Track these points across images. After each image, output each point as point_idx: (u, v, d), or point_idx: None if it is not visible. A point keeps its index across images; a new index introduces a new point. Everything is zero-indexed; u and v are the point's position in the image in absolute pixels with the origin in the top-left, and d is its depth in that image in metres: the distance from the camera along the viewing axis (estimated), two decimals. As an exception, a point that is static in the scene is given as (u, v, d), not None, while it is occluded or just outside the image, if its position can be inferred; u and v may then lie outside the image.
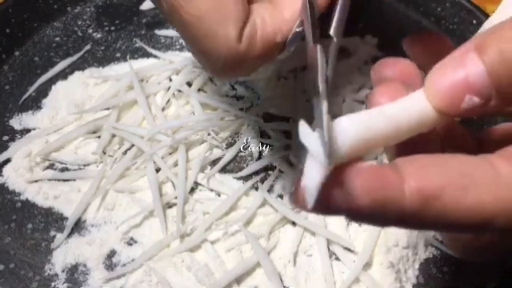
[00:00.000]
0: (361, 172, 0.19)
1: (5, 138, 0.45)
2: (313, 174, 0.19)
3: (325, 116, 0.20)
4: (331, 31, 0.27)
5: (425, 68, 0.27)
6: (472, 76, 0.20)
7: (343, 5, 0.27)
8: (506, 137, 0.25)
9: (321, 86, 0.23)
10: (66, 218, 0.40)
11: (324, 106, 0.21)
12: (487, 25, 0.26)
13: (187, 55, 0.49)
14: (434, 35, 0.27)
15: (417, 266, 0.38)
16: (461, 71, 0.20)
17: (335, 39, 0.26)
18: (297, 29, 0.28)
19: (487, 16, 0.48)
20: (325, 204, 0.19)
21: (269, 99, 0.46)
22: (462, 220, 0.19)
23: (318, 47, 0.25)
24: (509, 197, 0.19)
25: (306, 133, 0.20)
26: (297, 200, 0.19)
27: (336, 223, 0.40)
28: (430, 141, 0.23)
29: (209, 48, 0.27)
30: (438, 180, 0.19)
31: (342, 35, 0.27)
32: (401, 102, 0.21)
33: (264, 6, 0.28)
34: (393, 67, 0.24)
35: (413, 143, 0.22)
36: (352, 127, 0.20)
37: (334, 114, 0.20)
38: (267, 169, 0.43)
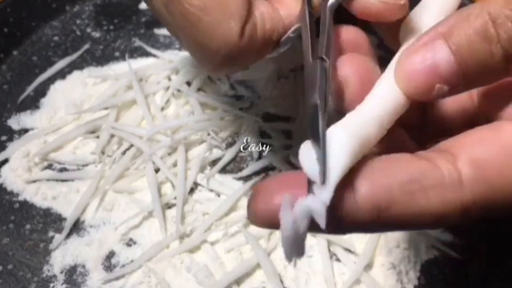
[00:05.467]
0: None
1: (3, 138, 0.45)
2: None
3: (322, 134, 0.20)
4: (323, 54, 0.25)
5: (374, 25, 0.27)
6: (441, 66, 0.21)
7: (329, 22, 0.26)
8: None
9: (320, 103, 0.22)
10: (65, 219, 0.40)
11: (321, 123, 0.21)
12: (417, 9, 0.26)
13: (187, 54, 0.48)
14: None
15: (418, 267, 0.38)
16: (431, 62, 0.21)
17: (327, 61, 0.25)
18: (291, 34, 0.28)
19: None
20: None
21: (269, 99, 0.46)
22: (413, 222, 0.20)
23: (318, 63, 0.24)
24: (454, 197, 0.20)
25: (306, 154, 0.20)
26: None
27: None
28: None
29: (210, 41, 0.26)
30: (387, 188, 0.19)
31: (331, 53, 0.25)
32: (376, 96, 0.22)
33: (263, 3, 0.28)
34: (341, 36, 0.24)
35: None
36: (345, 140, 0.20)
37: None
38: (267, 169, 0.42)
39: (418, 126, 0.26)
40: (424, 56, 0.21)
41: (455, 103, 0.26)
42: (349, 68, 0.23)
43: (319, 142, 0.20)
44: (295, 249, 0.19)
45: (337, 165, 0.19)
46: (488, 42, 0.20)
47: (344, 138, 0.20)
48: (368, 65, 0.23)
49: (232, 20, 0.26)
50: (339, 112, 0.23)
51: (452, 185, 0.20)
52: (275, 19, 0.28)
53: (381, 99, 0.22)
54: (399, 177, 0.20)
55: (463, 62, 0.20)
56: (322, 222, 0.18)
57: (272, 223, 0.19)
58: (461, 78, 0.21)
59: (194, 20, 0.26)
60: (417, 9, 0.25)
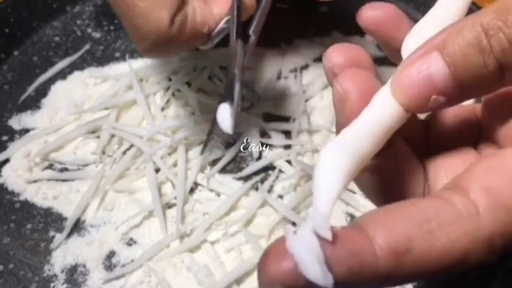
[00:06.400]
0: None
1: (4, 138, 0.45)
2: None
3: (237, 94, 0.29)
4: (251, 31, 0.32)
5: (378, 40, 0.27)
6: (436, 78, 0.21)
7: (264, 8, 0.33)
8: (455, 124, 0.26)
9: (237, 71, 0.30)
10: (65, 219, 0.40)
11: (237, 86, 0.30)
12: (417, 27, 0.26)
13: (186, 55, 0.48)
14: (388, 8, 0.27)
15: (417, 266, 0.38)
16: (426, 73, 0.21)
17: (253, 37, 0.32)
18: (223, 26, 0.33)
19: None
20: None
21: (269, 99, 0.46)
22: (438, 264, 0.19)
23: (239, 41, 0.32)
24: (475, 228, 0.19)
25: (221, 111, 0.28)
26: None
27: (336, 223, 0.39)
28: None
29: (142, 26, 0.31)
30: (404, 232, 0.19)
31: (259, 34, 0.33)
32: (373, 109, 0.22)
33: (197, 0, 0.32)
34: (344, 53, 0.24)
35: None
36: (339, 157, 0.20)
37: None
38: (267, 169, 0.43)
39: (422, 143, 0.26)
40: (419, 68, 0.21)
41: (458, 118, 0.26)
42: (350, 81, 0.23)
43: (234, 102, 0.28)
44: (320, 271, 0.17)
45: (334, 183, 0.19)
46: (481, 53, 0.20)
47: (339, 155, 0.20)
48: (369, 79, 0.23)
49: (164, 9, 0.30)
50: (340, 125, 0.23)
51: (470, 217, 0.19)
52: (207, 14, 0.32)
53: (378, 112, 0.22)
54: (414, 218, 0.19)
55: (457, 74, 0.21)
56: (327, 234, 0.18)
57: (288, 281, 0.17)
58: (457, 89, 0.21)
59: (131, 5, 0.30)
60: (420, 23, 0.26)
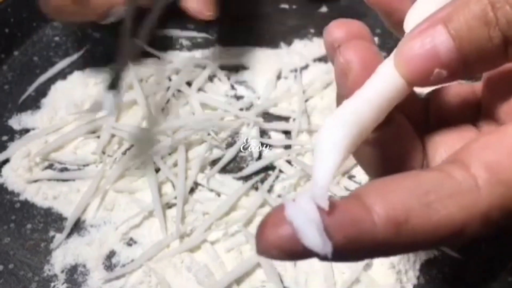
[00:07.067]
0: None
1: (4, 138, 0.45)
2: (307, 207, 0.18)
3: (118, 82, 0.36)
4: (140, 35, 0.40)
5: (380, 12, 0.27)
6: (441, 51, 0.21)
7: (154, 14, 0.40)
8: (455, 102, 0.26)
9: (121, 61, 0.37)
10: (66, 219, 0.40)
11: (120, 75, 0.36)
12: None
13: (187, 54, 0.49)
14: None
15: (418, 266, 0.38)
16: (430, 46, 0.21)
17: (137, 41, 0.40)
18: (120, 11, 0.40)
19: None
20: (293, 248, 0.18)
21: (269, 99, 0.46)
22: (435, 235, 0.19)
23: (128, 41, 0.39)
24: (474, 201, 0.19)
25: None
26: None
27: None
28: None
29: None
30: (403, 203, 0.19)
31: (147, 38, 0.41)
32: (376, 81, 0.22)
33: None
34: (346, 28, 0.24)
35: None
36: (342, 129, 0.20)
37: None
38: (267, 169, 0.43)
39: (421, 120, 0.26)
40: (423, 41, 0.21)
41: (457, 95, 0.26)
42: (353, 53, 0.23)
43: (116, 90, 0.35)
44: (320, 239, 0.17)
45: (334, 154, 0.19)
46: (487, 26, 0.20)
47: (340, 126, 0.20)
48: (372, 50, 0.23)
49: None
50: (341, 98, 0.23)
51: (469, 191, 0.19)
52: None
53: (380, 84, 0.22)
54: (414, 190, 0.19)
55: (462, 47, 0.20)
56: (324, 203, 0.18)
57: (286, 247, 0.17)
58: (460, 63, 0.21)
59: None
60: None
